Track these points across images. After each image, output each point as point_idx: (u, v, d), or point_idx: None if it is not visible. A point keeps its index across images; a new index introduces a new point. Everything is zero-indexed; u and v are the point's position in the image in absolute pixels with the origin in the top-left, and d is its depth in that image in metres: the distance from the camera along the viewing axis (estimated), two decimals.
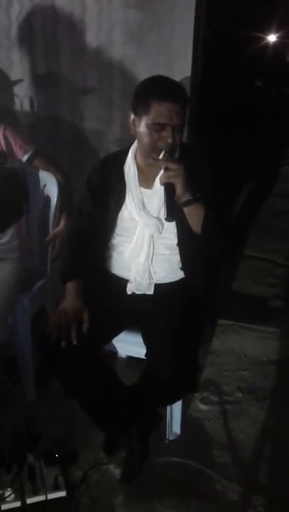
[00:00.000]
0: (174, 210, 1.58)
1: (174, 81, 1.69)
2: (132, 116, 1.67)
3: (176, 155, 1.65)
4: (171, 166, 1.57)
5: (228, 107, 5.32)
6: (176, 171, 1.56)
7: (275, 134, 5.34)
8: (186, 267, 1.77)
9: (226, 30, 5.76)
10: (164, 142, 1.61)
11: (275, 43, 6.36)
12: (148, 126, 1.61)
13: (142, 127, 1.63)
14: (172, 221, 1.61)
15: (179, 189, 1.57)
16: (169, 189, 1.57)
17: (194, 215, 1.62)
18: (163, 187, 1.60)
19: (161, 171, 1.60)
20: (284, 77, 6.39)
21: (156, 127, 1.60)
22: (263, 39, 6.26)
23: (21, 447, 1.75)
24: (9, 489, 1.63)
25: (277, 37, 6.29)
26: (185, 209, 1.61)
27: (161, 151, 1.62)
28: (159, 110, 1.58)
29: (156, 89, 1.61)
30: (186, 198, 1.58)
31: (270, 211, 4.06)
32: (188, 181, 1.57)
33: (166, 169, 1.57)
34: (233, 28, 5.92)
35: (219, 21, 5.32)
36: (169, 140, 1.60)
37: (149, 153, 1.66)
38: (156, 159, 1.63)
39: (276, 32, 6.25)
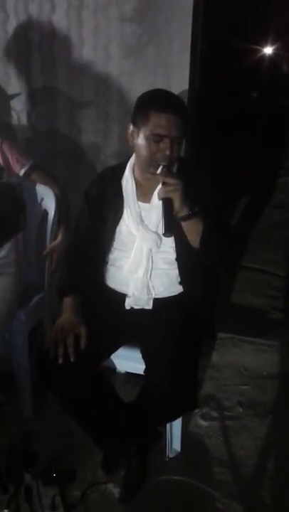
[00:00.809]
0: (171, 226, 1.56)
1: (173, 94, 1.70)
2: (131, 127, 1.67)
3: (174, 169, 1.65)
4: (170, 180, 1.56)
5: (226, 118, 5.34)
6: (175, 185, 1.55)
7: (272, 146, 5.35)
8: (185, 281, 1.76)
9: (223, 43, 5.80)
10: (162, 154, 1.60)
11: (271, 55, 6.41)
12: (146, 137, 1.61)
13: (141, 139, 1.63)
14: (170, 236, 1.60)
15: (177, 204, 1.56)
16: (167, 204, 1.56)
17: (192, 230, 1.61)
18: (161, 202, 1.59)
19: (160, 186, 1.59)
20: (280, 89, 6.44)
21: (154, 138, 1.59)
22: (260, 51, 6.31)
23: (18, 466, 1.72)
24: (6, 510, 1.60)
25: (273, 49, 6.35)
26: (183, 224, 1.60)
27: (158, 165, 1.61)
28: (159, 121, 1.58)
29: (156, 101, 1.61)
30: (184, 212, 1.57)
31: (268, 222, 4.06)
32: (187, 196, 1.56)
33: (164, 184, 1.57)
34: (230, 40, 5.97)
35: (216, 33, 5.37)
36: (167, 152, 1.59)
37: (147, 166, 1.65)
38: (154, 173, 1.62)
39: (272, 44, 6.31)
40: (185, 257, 1.72)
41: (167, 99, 1.64)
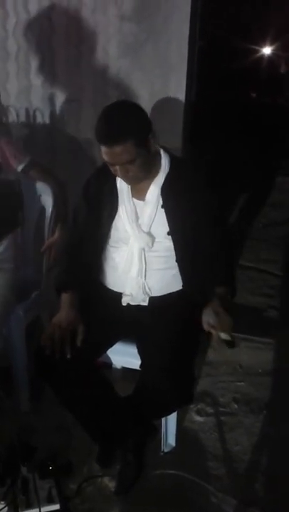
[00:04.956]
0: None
1: (115, 121, 1.57)
2: None
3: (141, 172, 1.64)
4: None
5: (224, 117, 5.36)
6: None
7: (271, 145, 5.37)
8: (187, 281, 1.77)
9: (221, 42, 5.82)
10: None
11: (270, 55, 6.44)
12: None
13: None
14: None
15: None
16: None
17: None
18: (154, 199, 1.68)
19: (153, 185, 1.67)
20: (278, 88, 6.47)
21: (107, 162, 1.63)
22: (258, 51, 6.33)
23: (15, 459, 1.73)
24: (2, 502, 1.61)
25: (272, 49, 6.38)
26: None
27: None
28: (103, 150, 1.58)
29: (96, 133, 1.58)
30: None
31: (265, 221, 4.08)
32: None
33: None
34: (228, 40, 5.98)
35: (214, 33, 5.38)
36: (119, 175, 1.63)
37: None
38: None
39: (271, 45, 6.34)
40: (186, 258, 1.73)
41: (102, 132, 1.56)
